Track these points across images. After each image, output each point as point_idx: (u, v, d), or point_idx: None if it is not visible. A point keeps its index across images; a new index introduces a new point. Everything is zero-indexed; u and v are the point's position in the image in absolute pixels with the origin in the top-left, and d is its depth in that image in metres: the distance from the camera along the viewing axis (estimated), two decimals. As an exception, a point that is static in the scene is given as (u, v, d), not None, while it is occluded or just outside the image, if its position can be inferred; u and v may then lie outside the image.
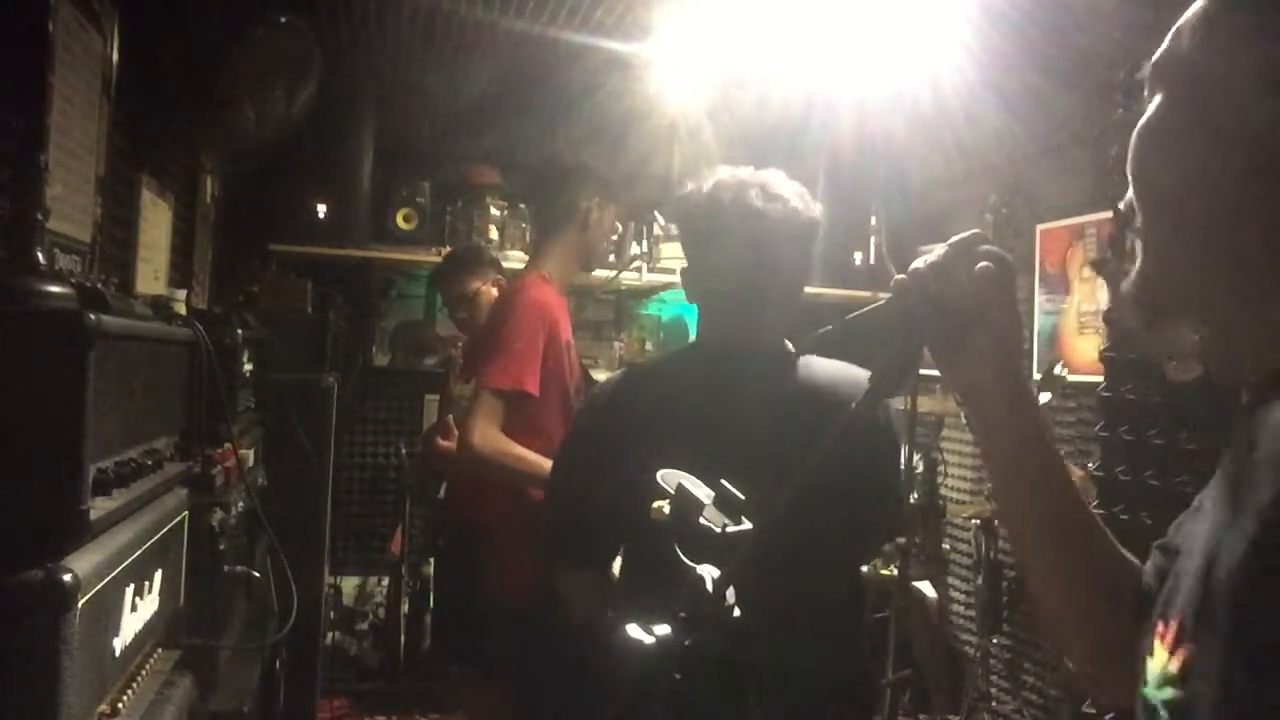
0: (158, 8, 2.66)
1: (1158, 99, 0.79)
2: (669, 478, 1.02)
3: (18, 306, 1.05)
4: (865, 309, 0.92)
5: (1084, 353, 3.67)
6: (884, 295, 0.92)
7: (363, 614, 4.50)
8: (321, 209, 4.12)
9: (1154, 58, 0.80)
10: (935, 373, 0.96)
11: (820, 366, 1.74)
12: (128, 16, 2.44)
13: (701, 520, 0.95)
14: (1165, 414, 2.03)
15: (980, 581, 3.78)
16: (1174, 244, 0.77)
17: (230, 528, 1.78)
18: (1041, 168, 3.97)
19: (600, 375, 3.04)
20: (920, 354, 0.92)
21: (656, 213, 4.45)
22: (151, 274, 2.84)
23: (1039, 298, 3.97)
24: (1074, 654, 1.00)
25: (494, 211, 4.51)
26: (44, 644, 0.98)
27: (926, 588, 4.08)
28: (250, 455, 2.04)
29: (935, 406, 4.21)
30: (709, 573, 0.87)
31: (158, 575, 1.38)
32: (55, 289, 1.08)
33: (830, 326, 0.92)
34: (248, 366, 2.09)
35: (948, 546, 4.45)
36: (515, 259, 4.31)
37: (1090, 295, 3.73)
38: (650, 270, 4.43)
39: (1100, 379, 2.23)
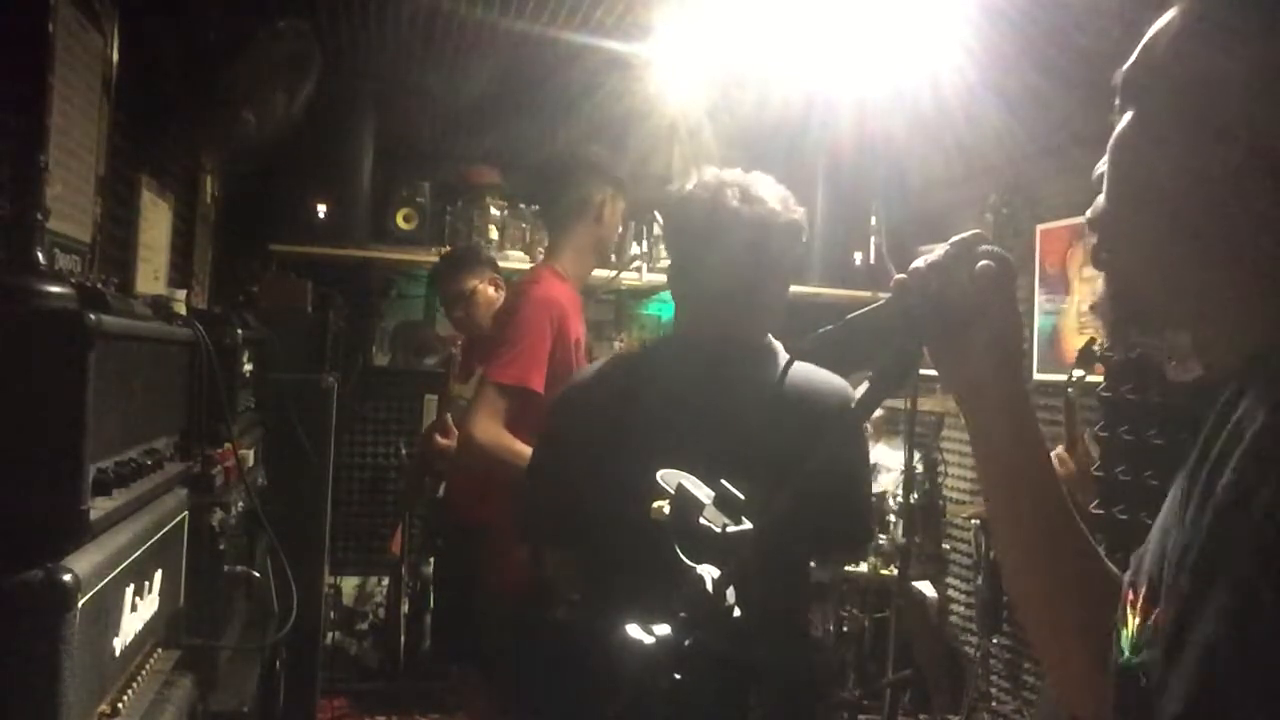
0: (158, 8, 2.66)
1: (1130, 113, 0.80)
2: (669, 478, 1.02)
3: (18, 306, 1.04)
4: (865, 309, 0.92)
5: (1084, 353, 3.67)
6: (884, 295, 0.92)
7: (363, 614, 4.50)
8: (321, 209, 4.12)
9: (1123, 71, 0.81)
10: (935, 373, 0.96)
11: (798, 368, 1.74)
12: (128, 16, 2.44)
13: (701, 520, 0.95)
14: (1165, 414, 2.03)
15: (980, 581, 3.78)
16: (1169, 245, 0.78)
17: (230, 528, 1.78)
18: (1041, 168, 3.97)
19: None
20: (920, 354, 0.92)
21: (656, 213, 4.45)
22: (151, 274, 2.84)
23: (1039, 298, 3.98)
24: (1046, 655, 0.99)
25: (494, 211, 4.52)
26: (44, 644, 0.98)
27: (926, 587, 4.09)
28: (250, 455, 2.04)
29: (935, 406, 4.21)
30: (709, 573, 0.87)
31: (158, 575, 1.38)
32: (55, 289, 1.08)
33: (831, 326, 0.92)
34: (248, 366, 2.09)
35: (948, 546, 4.45)
36: (515, 259, 4.32)
37: (1090, 295, 3.73)
38: (650, 270, 4.44)
39: (1100, 379, 2.23)
